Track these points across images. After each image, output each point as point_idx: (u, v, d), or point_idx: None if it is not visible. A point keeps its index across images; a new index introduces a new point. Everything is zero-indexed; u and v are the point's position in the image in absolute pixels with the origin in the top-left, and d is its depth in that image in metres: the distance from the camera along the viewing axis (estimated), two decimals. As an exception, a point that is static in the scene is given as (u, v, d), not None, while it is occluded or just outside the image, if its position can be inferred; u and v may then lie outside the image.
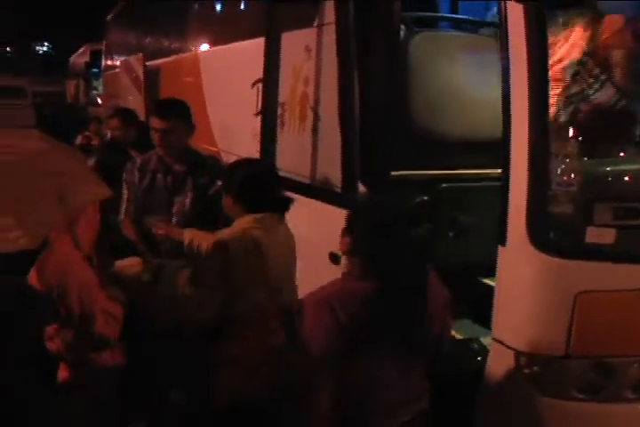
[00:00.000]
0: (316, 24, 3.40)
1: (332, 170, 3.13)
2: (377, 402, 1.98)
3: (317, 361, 1.99)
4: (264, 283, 2.47)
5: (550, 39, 2.51)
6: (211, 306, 2.42)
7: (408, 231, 1.95)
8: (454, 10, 4.78)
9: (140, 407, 2.61)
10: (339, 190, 3.08)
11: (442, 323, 2.12)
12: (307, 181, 3.39)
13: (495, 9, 3.55)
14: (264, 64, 3.50)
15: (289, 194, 3.12)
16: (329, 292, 2.02)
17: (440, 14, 4.05)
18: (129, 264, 2.69)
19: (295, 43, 3.47)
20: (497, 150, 2.75)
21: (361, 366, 1.97)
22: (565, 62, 2.51)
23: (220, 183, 3.11)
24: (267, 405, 2.37)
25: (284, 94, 3.59)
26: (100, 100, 13.45)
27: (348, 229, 2.01)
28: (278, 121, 3.59)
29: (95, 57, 13.32)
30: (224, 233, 2.54)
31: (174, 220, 3.26)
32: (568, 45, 2.49)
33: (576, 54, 2.50)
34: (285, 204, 2.64)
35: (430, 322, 2.05)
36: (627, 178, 2.31)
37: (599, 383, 2.22)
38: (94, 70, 13.93)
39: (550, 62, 2.44)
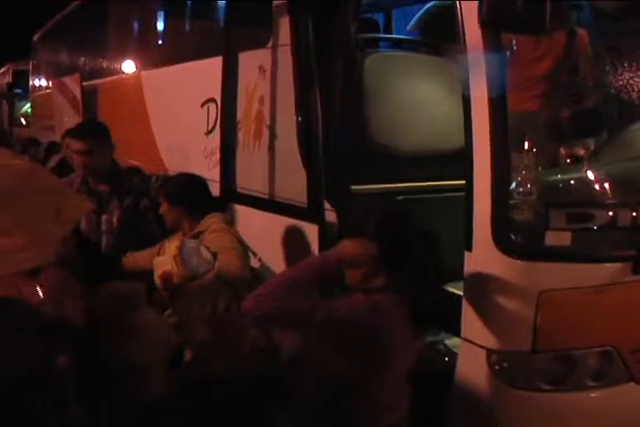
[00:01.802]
0: (270, 44, 3.53)
1: (297, 187, 3.23)
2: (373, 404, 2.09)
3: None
4: None
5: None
6: None
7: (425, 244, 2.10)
8: (388, 30, 5.05)
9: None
10: (304, 206, 3.19)
11: None
12: (271, 198, 3.49)
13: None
14: (222, 83, 3.59)
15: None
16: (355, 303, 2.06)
17: (393, 36, 4.24)
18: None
19: (252, 62, 3.57)
20: (450, 162, 2.95)
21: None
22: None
23: (146, 201, 3.30)
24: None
25: (241, 113, 3.68)
26: (24, 121, 13.10)
27: (377, 241, 2.05)
28: (238, 140, 3.68)
29: (18, 77, 12.98)
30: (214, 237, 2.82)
31: (104, 239, 3.31)
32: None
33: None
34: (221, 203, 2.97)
35: None
36: (578, 185, 2.51)
37: (563, 374, 2.38)
38: (18, 91, 13.56)
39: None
